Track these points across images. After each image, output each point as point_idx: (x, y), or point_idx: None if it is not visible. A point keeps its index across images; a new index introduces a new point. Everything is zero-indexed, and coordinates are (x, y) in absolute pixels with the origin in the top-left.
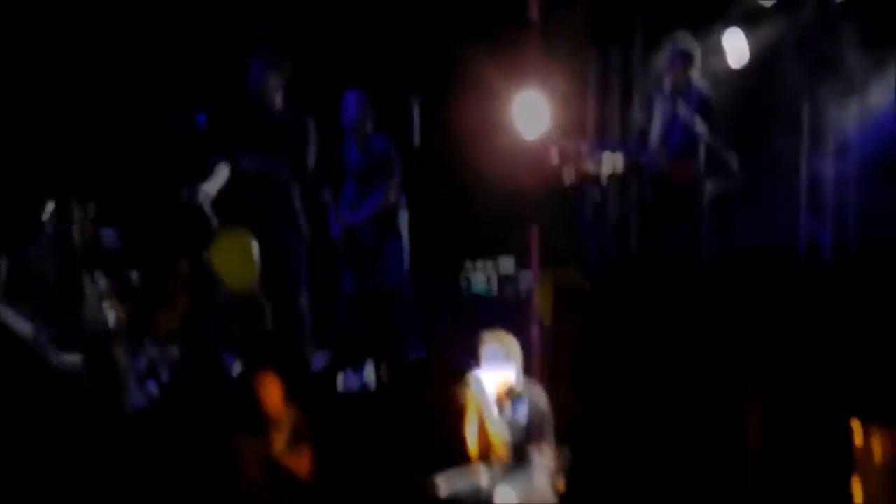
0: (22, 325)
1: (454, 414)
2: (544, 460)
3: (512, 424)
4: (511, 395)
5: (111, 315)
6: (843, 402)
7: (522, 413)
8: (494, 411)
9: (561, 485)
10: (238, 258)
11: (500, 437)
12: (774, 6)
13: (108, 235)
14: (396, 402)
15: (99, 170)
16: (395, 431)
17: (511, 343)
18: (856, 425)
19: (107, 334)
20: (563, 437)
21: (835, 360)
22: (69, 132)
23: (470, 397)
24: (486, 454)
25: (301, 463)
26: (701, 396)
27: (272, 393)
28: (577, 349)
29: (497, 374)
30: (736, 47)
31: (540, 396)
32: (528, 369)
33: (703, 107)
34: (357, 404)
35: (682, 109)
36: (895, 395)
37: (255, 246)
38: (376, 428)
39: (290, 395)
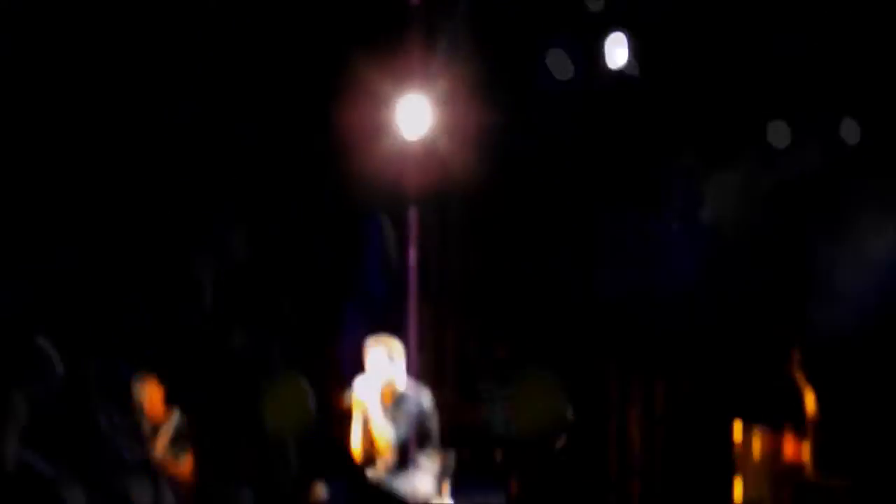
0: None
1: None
2: (429, 462)
3: (396, 424)
4: (395, 396)
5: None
6: (725, 404)
7: (407, 412)
8: (378, 413)
9: (446, 486)
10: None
11: (384, 437)
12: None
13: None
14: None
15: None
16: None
17: (395, 346)
18: (737, 426)
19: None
20: (449, 440)
21: (716, 364)
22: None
23: (354, 401)
24: (371, 456)
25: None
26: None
27: (153, 398)
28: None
29: (381, 377)
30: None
31: (425, 398)
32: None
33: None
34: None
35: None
36: (773, 396)
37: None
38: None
39: None
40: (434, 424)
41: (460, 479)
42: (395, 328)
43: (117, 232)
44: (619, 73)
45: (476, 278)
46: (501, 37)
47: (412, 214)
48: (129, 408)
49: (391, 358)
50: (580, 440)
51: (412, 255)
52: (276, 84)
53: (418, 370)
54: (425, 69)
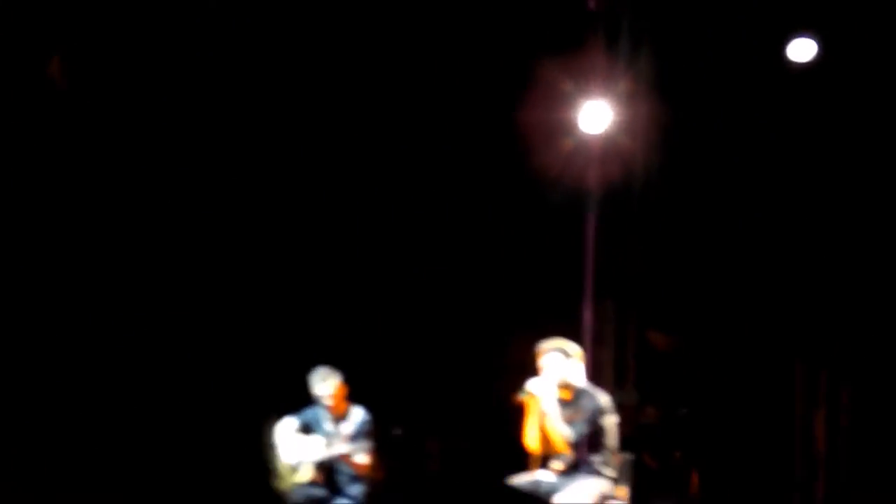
0: None
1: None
2: (605, 464)
3: (572, 423)
4: (572, 394)
5: None
6: None
7: (583, 410)
8: (555, 410)
9: (622, 491)
10: None
11: (561, 434)
12: None
13: None
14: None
15: None
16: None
17: (571, 346)
18: None
19: None
20: (627, 443)
21: None
22: None
23: (529, 402)
24: (548, 453)
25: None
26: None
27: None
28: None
29: (557, 376)
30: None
31: (602, 397)
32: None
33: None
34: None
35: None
36: None
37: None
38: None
39: None
40: (611, 425)
41: (639, 482)
42: (575, 326)
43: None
44: (802, 71)
45: (657, 276)
46: (684, 36)
47: (592, 212)
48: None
49: (567, 357)
50: (766, 439)
51: (591, 250)
52: (462, 87)
53: (597, 370)
54: (606, 70)
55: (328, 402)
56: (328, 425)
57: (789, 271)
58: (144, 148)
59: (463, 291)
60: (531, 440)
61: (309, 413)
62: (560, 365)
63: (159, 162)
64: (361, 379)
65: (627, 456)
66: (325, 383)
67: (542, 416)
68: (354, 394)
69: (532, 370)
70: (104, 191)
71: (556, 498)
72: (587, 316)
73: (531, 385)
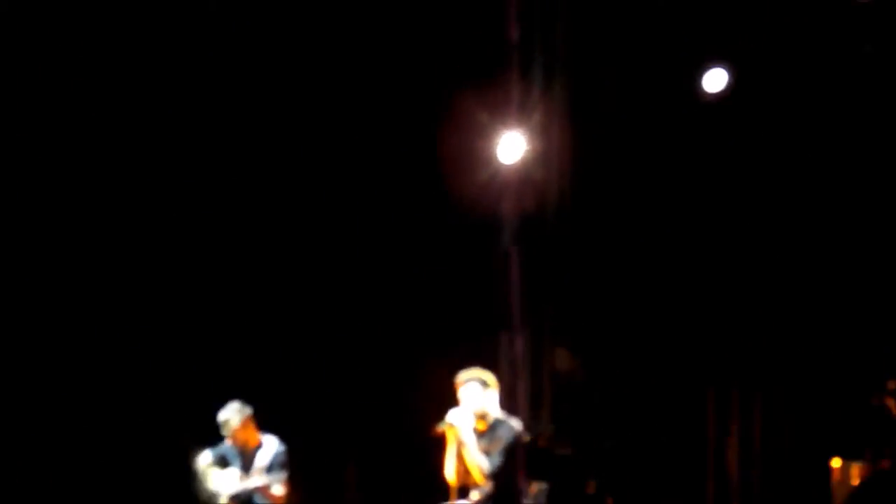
0: None
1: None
2: (528, 492)
3: (489, 453)
4: (488, 424)
5: None
6: (822, 438)
7: (500, 440)
8: (472, 441)
9: None
10: None
11: (479, 465)
12: None
13: None
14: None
15: None
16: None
17: (488, 377)
18: (835, 461)
19: None
20: (542, 472)
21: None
22: None
23: (449, 432)
24: (466, 485)
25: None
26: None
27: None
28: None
29: (474, 406)
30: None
31: (517, 425)
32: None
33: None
34: None
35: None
36: (870, 430)
37: None
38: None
39: None
40: (520, 450)
41: None
42: (491, 356)
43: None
44: (715, 101)
45: (571, 303)
46: (597, 68)
47: (508, 241)
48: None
49: (485, 387)
50: (679, 465)
51: (508, 279)
52: (381, 115)
53: (513, 399)
54: (521, 101)
55: (235, 437)
56: (241, 458)
57: (699, 294)
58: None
59: (378, 319)
60: (449, 471)
61: (224, 446)
62: (478, 395)
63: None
64: (276, 407)
65: (543, 485)
66: (231, 420)
67: (461, 446)
68: (269, 423)
69: (448, 399)
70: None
71: None
72: (502, 344)
73: (450, 416)
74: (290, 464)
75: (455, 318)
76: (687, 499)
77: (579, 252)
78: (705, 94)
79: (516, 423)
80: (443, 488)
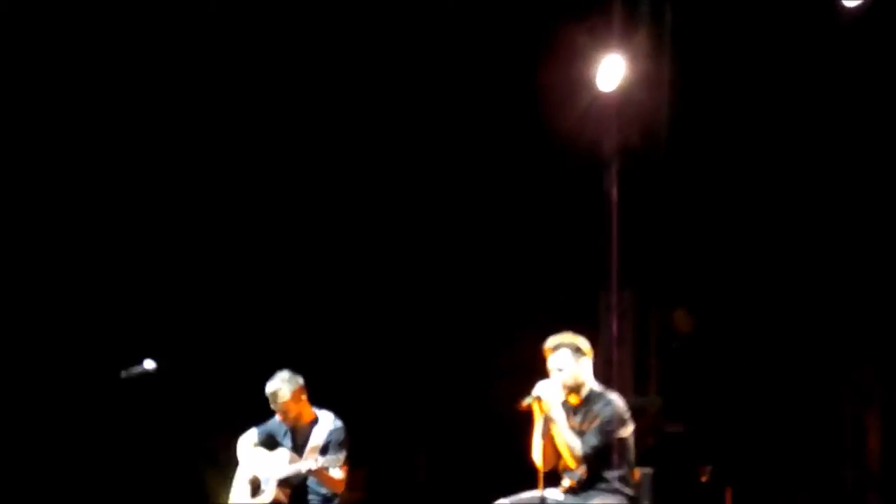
0: None
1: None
2: (619, 480)
3: (582, 433)
4: (583, 399)
5: None
6: None
7: (595, 419)
8: (563, 418)
9: None
10: None
11: (571, 445)
12: None
13: None
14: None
15: None
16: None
17: (580, 341)
18: None
19: None
20: (647, 456)
21: None
22: None
23: (536, 407)
24: (556, 468)
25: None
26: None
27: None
28: None
29: (565, 378)
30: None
31: (617, 403)
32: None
33: None
34: None
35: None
36: None
37: None
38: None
39: None
40: (629, 435)
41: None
42: (586, 318)
43: None
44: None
45: (686, 256)
46: None
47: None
48: None
49: (577, 356)
50: (810, 446)
51: (609, 230)
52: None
53: (613, 370)
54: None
55: (286, 412)
56: (293, 436)
57: (837, 250)
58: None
59: (456, 274)
60: (536, 453)
61: (272, 423)
62: (570, 364)
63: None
64: (333, 380)
65: (648, 471)
66: (281, 390)
67: (549, 424)
68: (324, 398)
69: (537, 371)
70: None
71: None
72: (601, 304)
73: (538, 388)
74: (350, 443)
75: (546, 273)
76: (820, 489)
77: (691, 196)
78: (842, 8)
79: (616, 397)
80: (529, 474)
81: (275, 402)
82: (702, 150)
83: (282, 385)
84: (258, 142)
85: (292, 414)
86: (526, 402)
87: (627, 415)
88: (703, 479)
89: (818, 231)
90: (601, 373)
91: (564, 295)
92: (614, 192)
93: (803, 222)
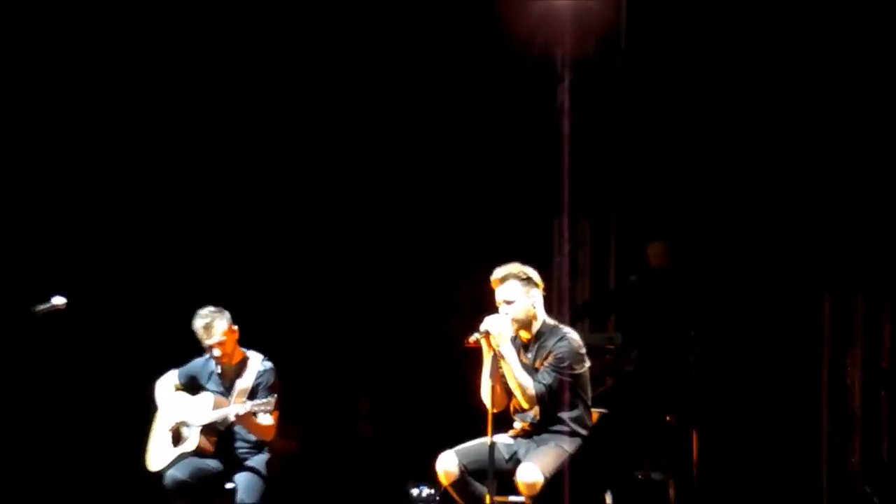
0: None
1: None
2: (576, 421)
3: (534, 370)
4: (534, 333)
5: None
6: None
7: (548, 355)
8: (514, 355)
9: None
10: None
11: (522, 384)
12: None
13: None
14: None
15: None
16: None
17: (530, 271)
18: None
19: None
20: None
21: None
22: None
23: (483, 343)
24: (506, 410)
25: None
26: None
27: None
28: None
29: (515, 311)
30: None
31: (572, 337)
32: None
33: None
34: None
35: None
36: None
37: None
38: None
39: None
40: (584, 373)
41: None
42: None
43: None
44: None
45: (645, 183)
46: None
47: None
48: None
49: (527, 287)
50: (785, 391)
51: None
52: None
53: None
54: None
55: (216, 351)
56: (219, 378)
57: (815, 170)
58: None
59: (397, 206)
60: (485, 394)
61: (195, 364)
62: (520, 296)
63: None
64: (264, 320)
65: (605, 412)
66: (211, 327)
67: (499, 361)
68: (255, 338)
69: (486, 307)
70: None
71: (518, 468)
72: (557, 237)
73: (486, 323)
74: (282, 386)
75: (495, 199)
76: (795, 430)
77: (657, 114)
78: None
79: (571, 332)
80: (477, 416)
81: (209, 335)
82: (666, 61)
83: (214, 316)
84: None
85: (229, 348)
86: (473, 338)
87: (583, 350)
88: (668, 418)
89: (797, 159)
90: (555, 307)
91: (516, 223)
92: (566, 105)
93: (780, 145)
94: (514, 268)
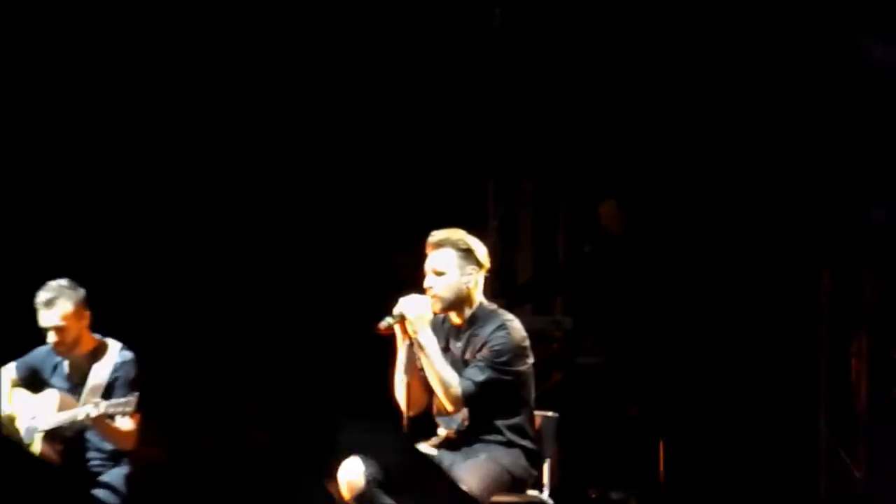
0: None
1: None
2: (512, 426)
3: (466, 362)
4: (465, 317)
5: None
6: None
7: (482, 345)
8: (436, 344)
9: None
10: None
11: (447, 382)
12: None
13: None
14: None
15: None
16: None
17: (475, 243)
18: None
19: None
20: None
21: None
22: None
23: (398, 329)
24: (428, 412)
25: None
26: None
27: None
28: None
29: (445, 286)
30: None
31: (513, 326)
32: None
33: None
34: None
35: None
36: None
37: None
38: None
39: None
40: (526, 370)
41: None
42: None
43: None
44: None
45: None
46: None
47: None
48: None
49: (466, 260)
50: (776, 385)
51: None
52: None
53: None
54: None
55: (51, 336)
56: (68, 373)
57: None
58: None
59: (305, 162)
60: (399, 392)
61: (37, 355)
62: (454, 269)
63: None
64: (126, 299)
65: (552, 416)
66: (53, 304)
67: (418, 352)
68: (115, 324)
69: (406, 281)
70: None
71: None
72: (492, 200)
73: (402, 304)
74: (146, 383)
75: (420, 155)
76: (787, 437)
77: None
78: None
79: (511, 318)
80: (392, 418)
81: (50, 317)
82: None
83: (61, 293)
84: None
85: (71, 336)
86: (384, 323)
87: (527, 343)
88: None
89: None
90: (489, 286)
91: (444, 184)
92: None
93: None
94: (455, 234)
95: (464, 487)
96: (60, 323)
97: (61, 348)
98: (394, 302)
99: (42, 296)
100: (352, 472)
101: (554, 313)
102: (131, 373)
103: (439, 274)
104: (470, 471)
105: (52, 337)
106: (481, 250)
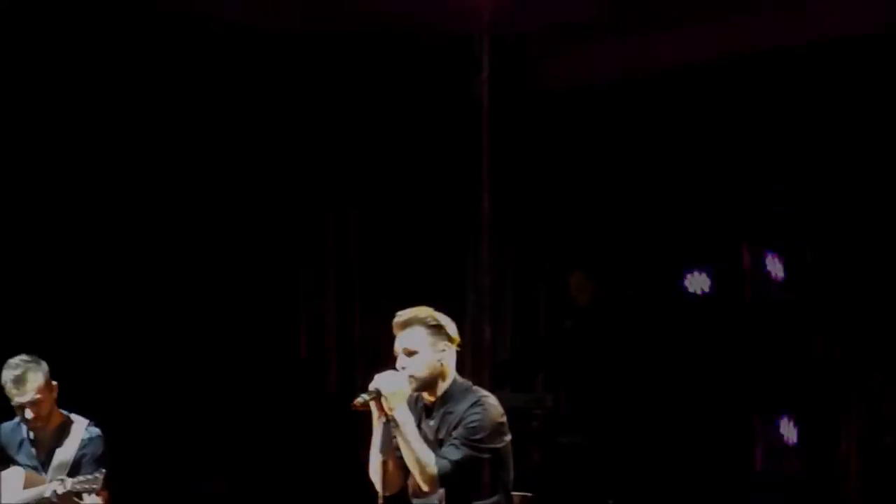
0: None
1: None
2: None
3: (441, 441)
4: (439, 395)
5: None
6: None
7: (461, 416)
8: (412, 423)
9: None
10: None
11: (423, 462)
12: None
13: None
14: None
15: None
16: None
17: (443, 319)
18: None
19: None
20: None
21: None
22: None
23: (373, 407)
24: (402, 493)
25: None
26: None
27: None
28: None
29: (419, 366)
30: None
31: (489, 403)
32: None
33: None
34: None
35: None
36: None
37: None
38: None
39: None
40: (504, 448)
41: None
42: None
43: None
44: None
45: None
46: None
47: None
48: None
49: (437, 337)
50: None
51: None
52: None
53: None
54: None
55: (28, 412)
56: (33, 448)
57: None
58: None
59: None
60: (374, 472)
61: (3, 430)
62: (426, 348)
63: None
64: (88, 376)
65: (531, 496)
66: (24, 381)
67: (394, 431)
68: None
69: (379, 358)
70: None
71: None
72: (470, 272)
73: (377, 380)
74: (112, 459)
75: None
76: None
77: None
78: None
79: (488, 396)
80: (366, 499)
81: (22, 392)
82: None
83: (27, 368)
84: None
85: (46, 408)
86: (360, 399)
87: (504, 419)
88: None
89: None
90: (468, 363)
91: (421, 257)
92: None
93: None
94: (423, 311)
95: None
96: (36, 396)
97: (39, 423)
98: (369, 379)
99: (8, 374)
100: None
101: (535, 390)
102: (98, 450)
103: (411, 353)
104: None
105: (29, 413)
106: (451, 325)
